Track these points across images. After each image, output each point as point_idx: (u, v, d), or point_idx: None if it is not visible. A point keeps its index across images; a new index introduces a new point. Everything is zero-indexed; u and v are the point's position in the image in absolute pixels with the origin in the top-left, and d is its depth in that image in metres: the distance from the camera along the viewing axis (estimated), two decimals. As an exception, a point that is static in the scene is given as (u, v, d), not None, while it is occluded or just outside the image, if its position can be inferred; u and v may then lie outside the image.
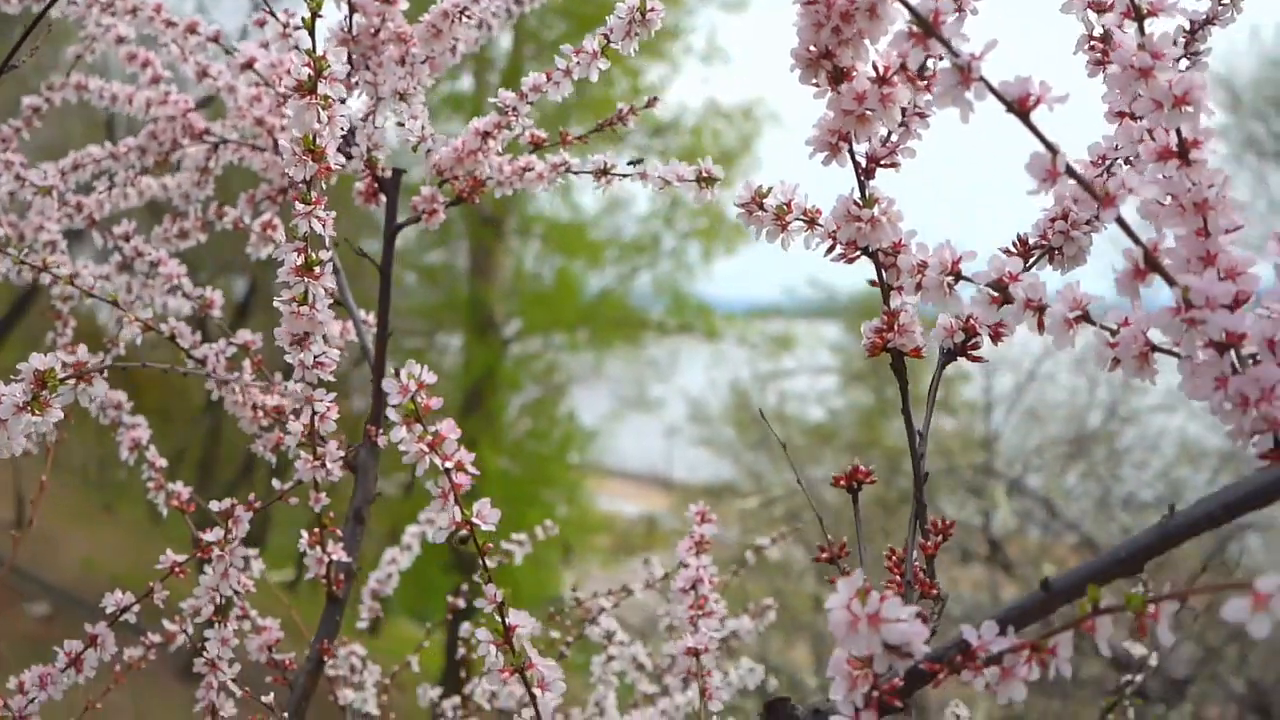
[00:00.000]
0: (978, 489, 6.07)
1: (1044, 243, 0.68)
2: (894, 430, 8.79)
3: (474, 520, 0.62)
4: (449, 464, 0.62)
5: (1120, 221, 0.51)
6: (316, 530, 0.95)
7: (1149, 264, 0.51)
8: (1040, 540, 6.61)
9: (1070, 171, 0.50)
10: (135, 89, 1.22)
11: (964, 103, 0.50)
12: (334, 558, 0.96)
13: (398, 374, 0.60)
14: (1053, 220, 0.68)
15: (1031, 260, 0.68)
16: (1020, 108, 0.50)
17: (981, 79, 0.50)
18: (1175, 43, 0.66)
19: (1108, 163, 0.69)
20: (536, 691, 0.64)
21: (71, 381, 0.65)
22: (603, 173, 0.95)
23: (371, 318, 1.10)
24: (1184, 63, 0.71)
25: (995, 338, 0.67)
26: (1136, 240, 0.51)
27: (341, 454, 0.90)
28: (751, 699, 1.48)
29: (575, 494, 10.99)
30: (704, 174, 0.82)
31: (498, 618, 0.64)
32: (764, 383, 9.58)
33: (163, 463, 1.09)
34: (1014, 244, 0.68)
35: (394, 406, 0.60)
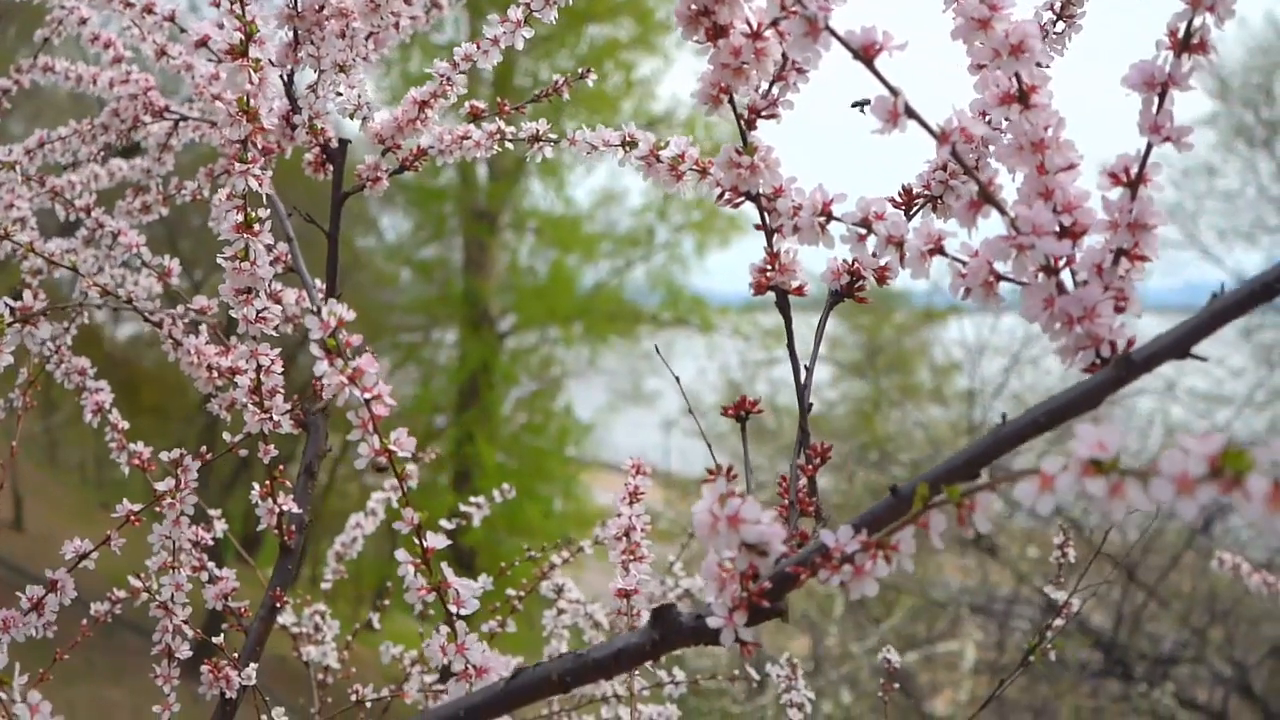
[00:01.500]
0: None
1: (926, 191, 0.73)
2: (887, 420, 8.85)
3: (391, 447, 0.68)
4: (369, 395, 0.67)
5: (957, 158, 0.56)
6: (268, 482, 1.00)
7: (983, 196, 0.56)
8: (1025, 527, 6.67)
9: (909, 112, 0.55)
10: (99, 69, 1.26)
11: (813, 51, 0.55)
12: (285, 509, 1.01)
13: (319, 311, 0.65)
14: (934, 170, 0.73)
15: (915, 208, 0.73)
16: (866, 55, 0.55)
17: (828, 29, 0.55)
18: (1051, 6, 0.71)
19: (988, 116, 0.74)
20: (453, 608, 0.69)
21: (18, 325, 0.69)
22: (535, 139, 1.00)
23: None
24: (1060, 25, 0.76)
25: (880, 280, 0.72)
26: (974, 176, 0.56)
27: (288, 408, 0.95)
28: (708, 657, 1.53)
29: (571, 488, 11.03)
30: (628, 139, 0.87)
31: (415, 540, 0.69)
32: (756, 369, 9.62)
33: (125, 425, 1.14)
34: (899, 193, 0.73)
35: (315, 341, 0.65)
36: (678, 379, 0.86)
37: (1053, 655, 1.09)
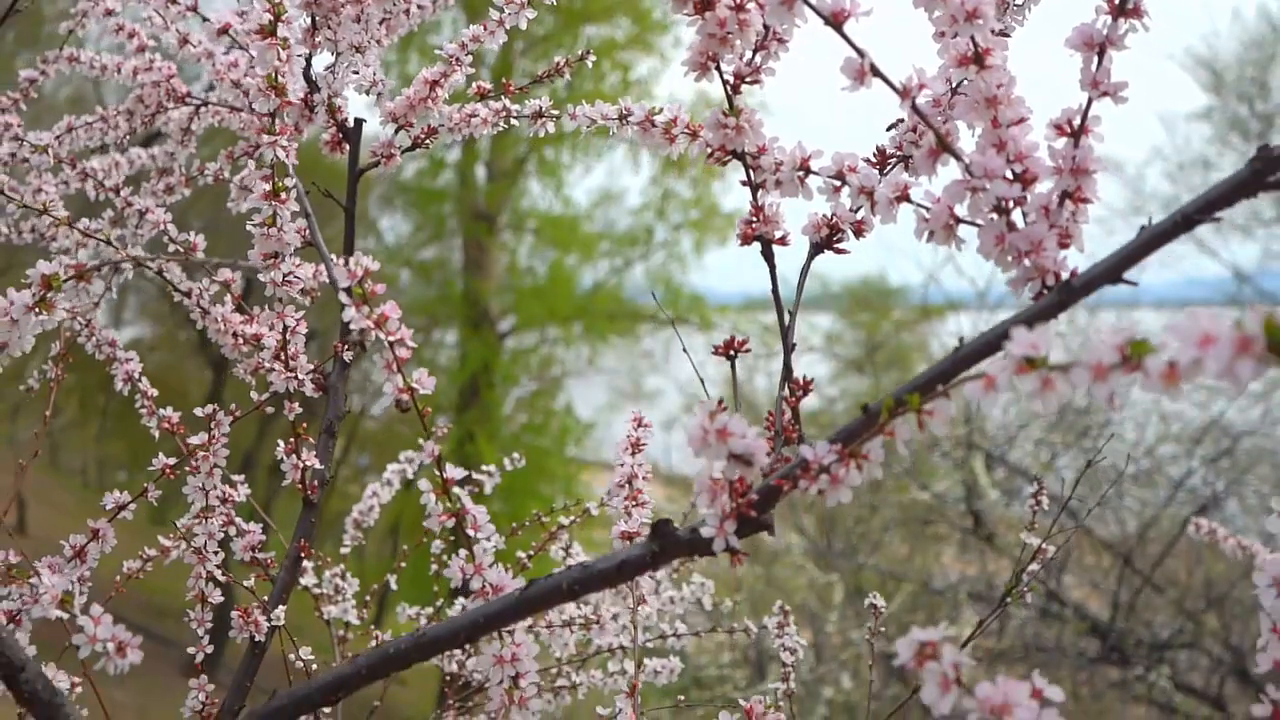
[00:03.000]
0: (959, 462, 6.19)
1: (898, 152, 0.80)
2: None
3: (414, 385, 0.74)
4: (393, 338, 0.74)
5: (918, 111, 0.63)
6: (293, 439, 1.07)
7: (940, 145, 0.63)
8: (1022, 514, 6.74)
9: (875, 71, 0.62)
10: (122, 58, 1.33)
11: (788, 18, 0.62)
12: (309, 465, 1.08)
13: (347, 262, 0.72)
14: (905, 132, 0.79)
15: (889, 167, 0.80)
16: (835, 20, 0.62)
17: (802, -2, 0.62)
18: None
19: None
20: (471, 532, 0.76)
21: (73, 281, 0.76)
22: (538, 115, 1.07)
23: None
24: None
25: (858, 233, 0.79)
26: (931, 126, 0.63)
27: (311, 367, 1.02)
28: (700, 615, 1.60)
29: (573, 487, 11.09)
30: (624, 112, 0.94)
31: (436, 471, 0.76)
32: (756, 363, 9.68)
33: (154, 392, 1.21)
34: (874, 153, 0.80)
35: (344, 290, 0.72)
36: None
37: (1029, 599, 1.15)
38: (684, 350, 1.07)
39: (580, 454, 12.07)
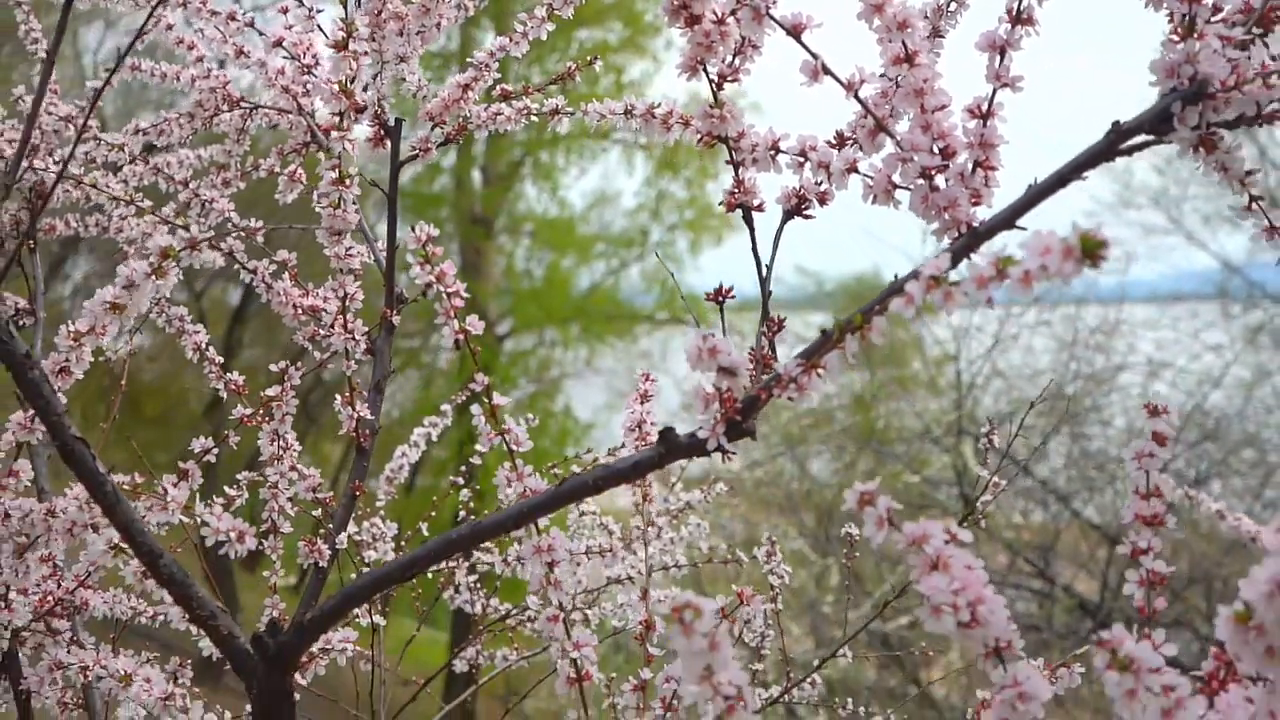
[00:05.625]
0: (949, 448, 6.39)
1: (854, 135, 0.98)
2: (885, 413, 9.08)
3: (467, 327, 0.93)
4: (449, 290, 0.92)
5: (859, 100, 0.81)
6: (348, 393, 1.25)
7: (878, 126, 0.81)
8: (1011, 499, 6.95)
9: (826, 70, 0.80)
10: (181, 68, 1.52)
11: (759, 30, 0.80)
12: (361, 415, 1.26)
13: (414, 228, 0.90)
14: (858, 120, 0.98)
15: (846, 146, 0.98)
16: (795, 31, 0.81)
17: (769, 14, 0.80)
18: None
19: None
20: (514, 447, 0.94)
21: (187, 250, 0.94)
22: (554, 113, 1.25)
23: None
24: (953, 4, 1.01)
25: (821, 201, 0.97)
26: (870, 113, 0.82)
27: (366, 329, 1.21)
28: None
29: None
30: (629, 107, 1.12)
31: (486, 399, 0.94)
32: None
33: (220, 359, 1.39)
34: (834, 136, 0.99)
35: (411, 251, 0.90)
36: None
37: (983, 524, 1.33)
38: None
39: (580, 455, 12.17)
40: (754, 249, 0.95)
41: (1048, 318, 7.65)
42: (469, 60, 1.23)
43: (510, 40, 1.22)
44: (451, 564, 1.65)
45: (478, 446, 0.97)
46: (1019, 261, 0.62)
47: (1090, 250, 0.58)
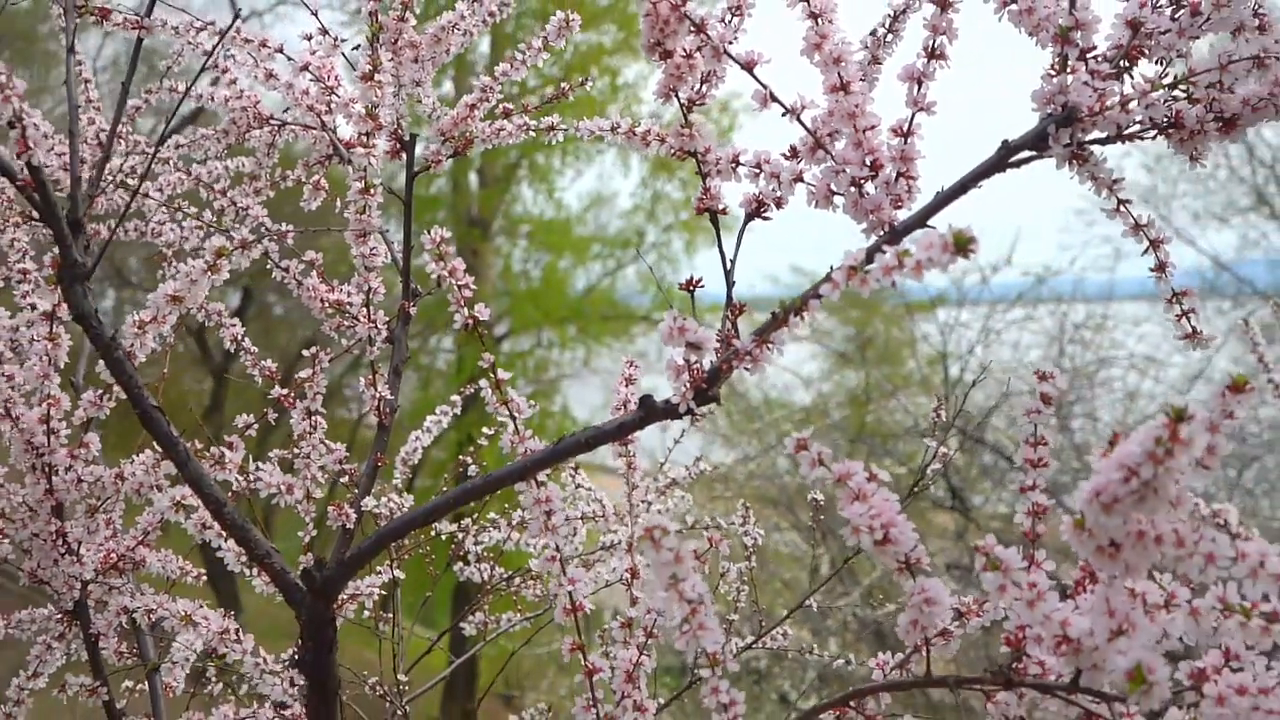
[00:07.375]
0: (940, 440, 6.56)
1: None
2: (880, 410, 9.26)
3: (476, 314, 1.10)
4: (460, 282, 1.09)
5: (801, 123, 0.99)
6: (371, 375, 1.43)
7: (816, 144, 0.99)
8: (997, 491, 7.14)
9: (773, 97, 0.98)
10: (215, 88, 1.69)
11: (719, 64, 0.98)
12: (383, 395, 1.44)
13: (428, 231, 1.08)
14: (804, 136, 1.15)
15: (800, 160, 1.16)
16: (748, 65, 0.98)
17: (726, 52, 0.97)
18: (876, 31, 1.14)
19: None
20: (515, 414, 1.11)
21: (239, 250, 1.12)
22: (551, 128, 1.43)
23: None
24: (889, 36, 1.19)
25: (778, 205, 1.14)
26: (810, 132, 0.99)
27: (387, 319, 1.38)
28: (691, 533, 1.96)
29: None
30: (615, 125, 1.30)
31: (492, 374, 1.12)
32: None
33: (255, 350, 1.56)
34: (789, 149, 1.16)
35: (427, 250, 1.08)
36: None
37: (932, 489, 1.50)
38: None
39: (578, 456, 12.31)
40: (719, 246, 1.12)
41: (1033, 314, 7.84)
42: (471, 80, 1.41)
43: (510, 66, 1.39)
44: (461, 533, 1.83)
45: (482, 440, 1.14)
46: (912, 254, 0.80)
47: (961, 245, 0.76)
